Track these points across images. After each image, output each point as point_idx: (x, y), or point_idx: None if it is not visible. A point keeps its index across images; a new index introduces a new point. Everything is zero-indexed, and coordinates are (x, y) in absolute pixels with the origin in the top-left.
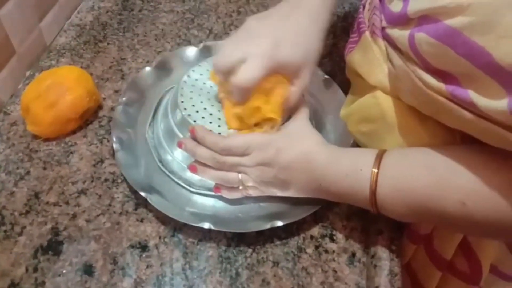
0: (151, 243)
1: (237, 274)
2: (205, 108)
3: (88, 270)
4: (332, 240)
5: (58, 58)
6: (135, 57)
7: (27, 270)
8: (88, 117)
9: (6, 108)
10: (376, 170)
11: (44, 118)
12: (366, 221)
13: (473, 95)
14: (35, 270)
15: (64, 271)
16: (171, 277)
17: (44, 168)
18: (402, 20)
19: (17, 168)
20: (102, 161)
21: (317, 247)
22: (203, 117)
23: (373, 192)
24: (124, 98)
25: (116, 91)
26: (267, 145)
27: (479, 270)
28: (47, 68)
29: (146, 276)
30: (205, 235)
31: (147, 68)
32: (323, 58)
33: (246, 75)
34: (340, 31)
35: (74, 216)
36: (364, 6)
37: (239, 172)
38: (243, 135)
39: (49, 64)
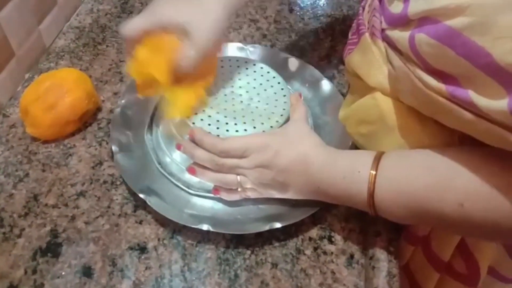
0: (150, 245)
1: (236, 275)
2: (203, 110)
3: (87, 272)
4: (331, 241)
5: (57, 60)
6: None
7: (26, 272)
8: (87, 119)
9: (5, 111)
10: (374, 172)
11: (43, 120)
12: (364, 222)
13: (473, 95)
14: (34, 272)
15: (63, 273)
16: (170, 278)
17: (43, 170)
18: (403, 22)
19: (16, 170)
20: (101, 163)
21: (315, 249)
22: (201, 119)
23: (371, 194)
24: (123, 101)
25: (115, 93)
26: (265, 147)
27: (477, 272)
28: (46, 70)
29: (145, 278)
30: (204, 237)
31: None
32: (321, 60)
33: (128, 24)
34: (338, 33)
35: (73, 218)
36: (363, 8)
37: (238, 174)
38: (242, 137)
39: (48, 67)
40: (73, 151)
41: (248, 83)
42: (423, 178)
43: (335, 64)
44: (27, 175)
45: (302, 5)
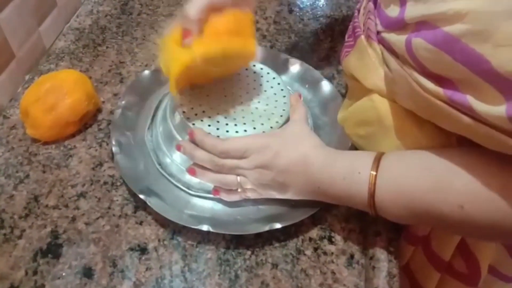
0: (150, 246)
1: (236, 276)
2: (203, 111)
3: (87, 273)
4: (331, 242)
5: (57, 62)
6: (134, 61)
7: (26, 273)
8: (87, 121)
9: (6, 112)
10: (374, 173)
11: (43, 122)
12: (364, 223)
13: (471, 100)
14: (35, 273)
15: (63, 274)
16: (170, 279)
17: (44, 172)
18: (399, 25)
19: (17, 172)
20: (101, 164)
21: (315, 249)
22: (201, 120)
23: (372, 194)
24: (123, 102)
25: (115, 95)
26: (265, 148)
27: (477, 271)
28: (46, 72)
29: (145, 278)
30: (204, 238)
31: (146, 72)
32: (321, 61)
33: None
34: (338, 34)
35: (73, 219)
36: (359, 11)
37: (238, 175)
38: (242, 137)
39: (48, 68)
40: (73, 152)
41: (248, 84)
42: (423, 179)
43: (334, 65)
44: (27, 176)
45: (301, 6)
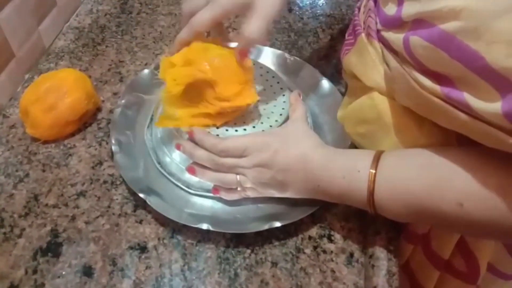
0: (150, 245)
1: (236, 274)
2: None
3: (87, 271)
4: (330, 240)
5: (57, 61)
6: (133, 60)
7: (26, 272)
8: (87, 120)
9: (5, 111)
10: (373, 171)
11: (43, 121)
12: (364, 221)
13: (468, 97)
14: (35, 272)
15: (63, 272)
16: (170, 278)
17: (43, 171)
18: (397, 23)
19: (16, 171)
20: (101, 163)
21: (315, 248)
22: None
23: (371, 193)
24: (122, 101)
25: (115, 94)
26: (265, 147)
27: (476, 269)
28: (46, 71)
29: (145, 277)
30: (204, 236)
31: (146, 71)
32: (320, 59)
33: (200, 16)
34: (338, 33)
35: (73, 218)
36: (359, 9)
37: (237, 174)
38: (241, 136)
39: (48, 67)
40: (73, 151)
41: None
42: (423, 177)
43: (334, 64)
44: (27, 175)
45: (301, 4)
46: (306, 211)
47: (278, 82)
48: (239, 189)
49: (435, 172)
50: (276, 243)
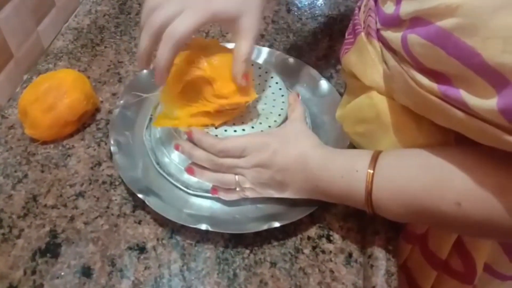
0: (149, 245)
1: (235, 275)
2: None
3: (86, 272)
4: (329, 240)
5: (56, 61)
6: (132, 60)
7: (25, 272)
8: (86, 120)
9: (4, 112)
10: (371, 171)
11: (42, 121)
12: (363, 221)
13: (464, 95)
14: (34, 272)
15: (62, 273)
16: (169, 278)
17: (42, 171)
18: (395, 22)
19: (15, 171)
20: (99, 164)
21: (314, 248)
22: None
23: (369, 193)
24: (121, 101)
25: (114, 94)
26: (264, 147)
27: (473, 269)
28: (45, 71)
29: (144, 277)
30: (203, 237)
31: (144, 71)
32: (319, 60)
33: (179, 26)
34: (336, 33)
35: (72, 219)
36: (359, 8)
37: (236, 174)
38: (240, 136)
39: (46, 68)
40: (72, 152)
41: None
42: (421, 177)
43: (333, 64)
44: (26, 176)
45: (299, 5)
46: (305, 211)
47: (276, 83)
48: (238, 189)
49: (432, 172)
50: (275, 243)
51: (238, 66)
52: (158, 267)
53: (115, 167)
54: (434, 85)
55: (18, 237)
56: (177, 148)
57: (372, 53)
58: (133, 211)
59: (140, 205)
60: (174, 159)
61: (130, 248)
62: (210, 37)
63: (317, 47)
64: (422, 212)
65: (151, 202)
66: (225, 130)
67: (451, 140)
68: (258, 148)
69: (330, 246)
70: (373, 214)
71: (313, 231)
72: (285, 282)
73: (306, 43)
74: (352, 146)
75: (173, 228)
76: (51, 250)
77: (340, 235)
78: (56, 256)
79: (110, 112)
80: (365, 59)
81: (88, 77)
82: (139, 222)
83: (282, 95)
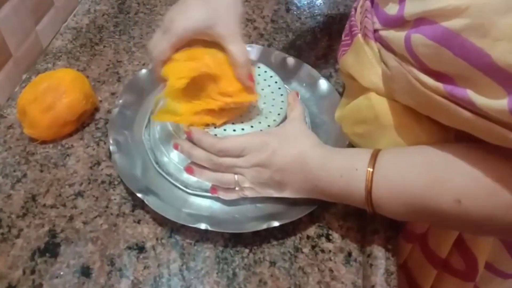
0: (148, 245)
1: (234, 274)
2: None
3: (85, 271)
4: (329, 239)
5: (55, 61)
6: (131, 60)
7: (24, 272)
8: (85, 120)
9: (3, 111)
10: (371, 170)
11: (41, 121)
12: (362, 220)
13: (471, 94)
14: (33, 272)
15: (61, 273)
16: (168, 278)
17: (41, 171)
18: (398, 23)
19: (14, 171)
20: (99, 163)
21: (313, 247)
22: None
23: (369, 191)
24: (120, 101)
25: (113, 94)
26: (263, 146)
27: (474, 268)
28: (44, 71)
29: (143, 277)
30: (202, 236)
31: (143, 71)
32: (318, 59)
33: (156, 46)
34: (335, 32)
35: (71, 218)
36: (355, 9)
37: (235, 173)
38: (239, 136)
39: (45, 67)
40: (71, 151)
41: None
42: (420, 174)
43: (332, 63)
44: (25, 175)
45: (299, 4)
46: (304, 210)
47: (276, 82)
48: (237, 188)
49: (432, 169)
50: (275, 242)
51: (239, 71)
52: (157, 266)
53: (114, 167)
54: (439, 85)
55: (17, 236)
56: (176, 147)
57: (370, 54)
58: (132, 211)
59: (139, 204)
60: (173, 158)
61: (129, 248)
62: None
63: (316, 47)
64: (423, 210)
65: (150, 201)
66: (224, 130)
67: (451, 138)
68: (257, 148)
69: (329, 245)
70: (373, 213)
71: (312, 231)
72: (285, 281)
73: (305, 42)
74: (352, 145)
75: (173, 228)
76: (50, 249)
77: (340, 234)
78: (55, 255)
79: (109, 111)
80: (363, 60)
81: (87, 77)
82: (138, 222)
83: (281, 95)
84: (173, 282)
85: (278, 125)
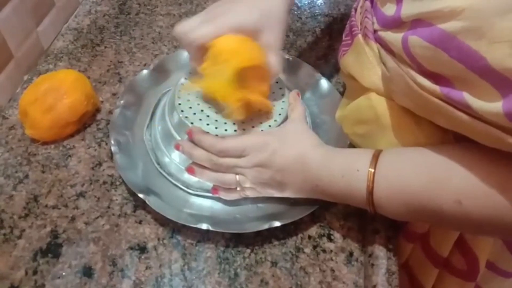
0: (149, 245)
1: (236, 274)
2: (202, 110)
3: (87, 272)
4: (330, 239)
5: (56, 62)
6: (132, 60)
7: (26, 273)
8: (86, 120)
9: (4, 112)
10: (372, 170)
11: (42, 122)
12: (363, 220)
13: (467, 97)
14: (35, 273)
15: (63, 273)
16: (170, 278)
17: (43, 172)
18: (396, 24)
19: (16, 172)
20: (100, 164)
21: (315, 247)
22: (200, 119)
23: (370, 192)
24: (121, 101)
25: (114, 94)
26: (264, 146)
27: (475, 267)
28: (45, 72)
29: (145, 277)
30: (204, 236)
31: (145, 71)
32: (319, 59)
33: (195, 31)
34: (336, 33)
35: (73, 219)
36: (356, 10)
37: (237, 174)
38: (240, 136)
39: (46, 68)
40: (72, 152)
41: None
42: (421, 175)
43: (333, 63)
44: (26, 176)
45: (299, 4)
46: (306, 210)
47: (277, 82)
48: (238, 189)
49: (433, 169)
50: (276, 242)
51: (270, 80)
52: (159, 267)
53: (116, 167)
54: (436, 87)
55: (19, 237)
56: (177, 147)
57: (370, 54)
58: (134, 211)
59: (141, 205)
60: (174, 159)
61: (131, 248)
62: None
63: (317, 46)
64: (423, 210)
65: (152, 202)
66: (225, 130)
67: (450, 139)
68: (258, 148)
69: (330, 245)
70: (374, 213)
71: (313, 230)
72: (286, 281)
73: (306, 42)
74: (352, 145)
75: (174, 228)
76: (52, 250)
77: (341, 234)
78: (57, 256)
79: (110, 112)
80: (363, 60)
81: (88, 78)
82: (140, 222)
83: (282, 95)
84: (175, 282)
85: (279, 125)
